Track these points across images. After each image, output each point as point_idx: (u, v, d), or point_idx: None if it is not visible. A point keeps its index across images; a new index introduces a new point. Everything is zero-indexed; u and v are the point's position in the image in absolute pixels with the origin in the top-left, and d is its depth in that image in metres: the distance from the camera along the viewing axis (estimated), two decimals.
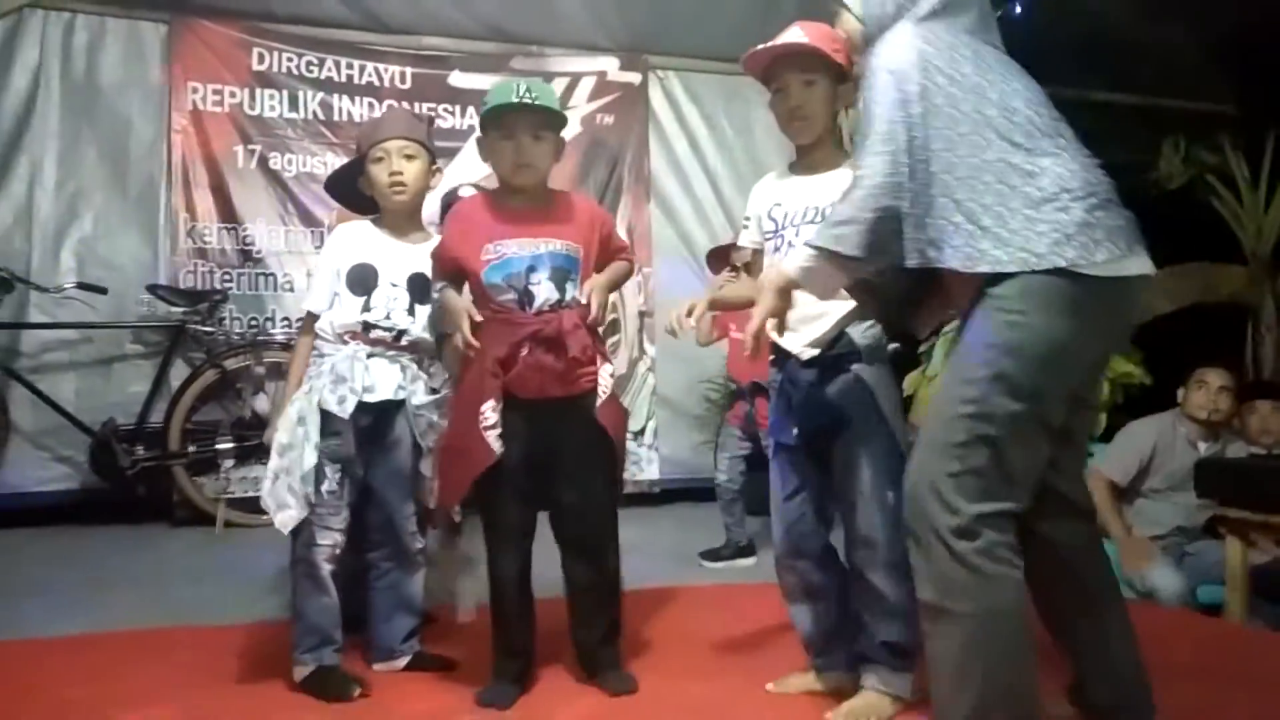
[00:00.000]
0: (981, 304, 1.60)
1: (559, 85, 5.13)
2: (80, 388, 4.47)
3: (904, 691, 2.05)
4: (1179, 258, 6.13)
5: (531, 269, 2.16)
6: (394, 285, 2.34)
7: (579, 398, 2.16)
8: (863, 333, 2.11)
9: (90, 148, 4.58)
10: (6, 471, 4.32)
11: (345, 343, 2.31)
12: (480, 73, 5.05)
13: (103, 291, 4.33)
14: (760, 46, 2.11)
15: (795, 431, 2.10)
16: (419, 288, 2.35)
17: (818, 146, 2.15)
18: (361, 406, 2.27)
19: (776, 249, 2.15)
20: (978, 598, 1.54)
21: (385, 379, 2.32)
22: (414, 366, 2.38)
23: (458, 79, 5.05)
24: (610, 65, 5.30)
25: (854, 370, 2.11)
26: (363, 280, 2.33)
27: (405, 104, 4.93)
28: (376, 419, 2.31)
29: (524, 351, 2.14)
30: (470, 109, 5.00)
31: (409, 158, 2.36)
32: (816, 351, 2.10)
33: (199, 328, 4.39)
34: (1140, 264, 1.61)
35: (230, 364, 4.31)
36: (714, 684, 2.28)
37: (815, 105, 2.09)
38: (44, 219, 4.49)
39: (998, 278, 1.58)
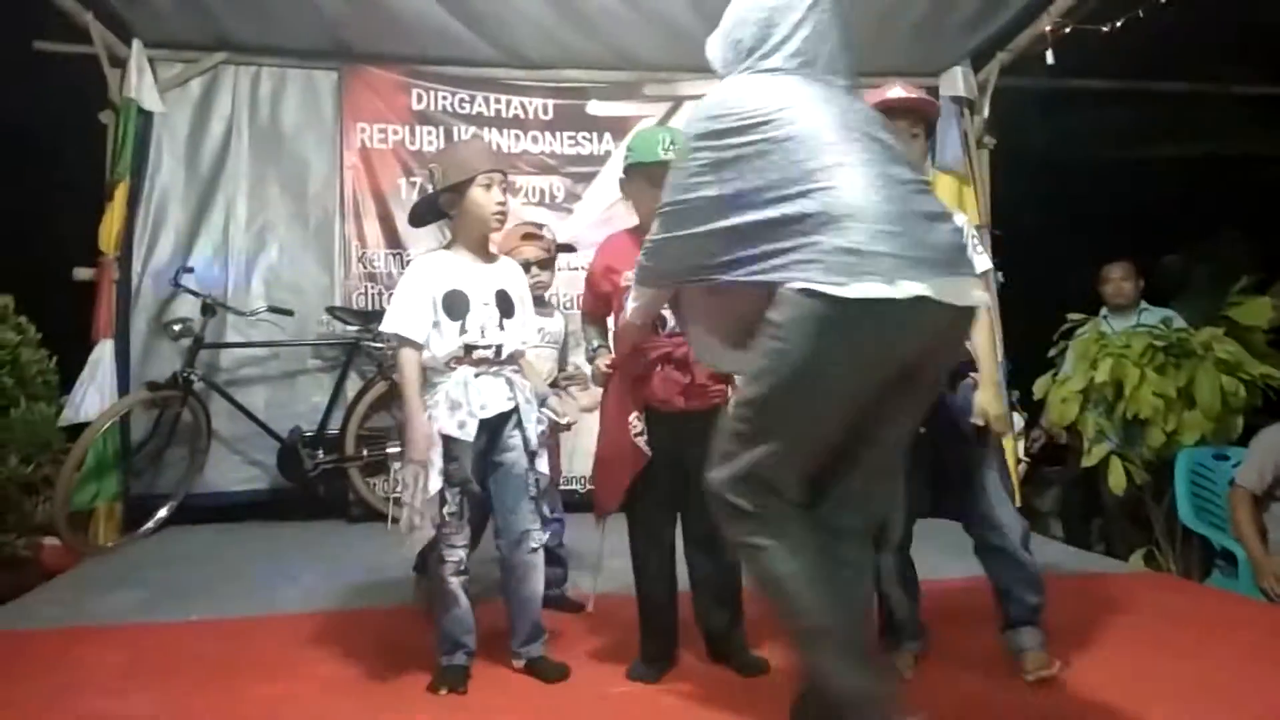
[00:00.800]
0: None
1: (688, 108, 5.38)
2: (269, 399, 4.91)
3: (1043, 641, 2.39)
4: None
5: None
6: (485, 305, 2.48)
7: (709, 411, 2.39)
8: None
9: (275, 185, 5.08)
10: (208, 473, 4.77)
11: (453, 369, 2.44)
12: (615, 100, 5.35)
13: (290, 314, 4.78)
14: (890, 96, 2.36)
15: (922, 430, 2.26)
16: (506, 303, 2.51)
17: None
18: (479, 425, 2.44)
19: None
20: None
21: (494, 395, 2.47)
22: (517, 377, 2.53)
23: (595, 108, 5.35)
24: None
25: (971, 378, 2.40)
26: (457, 305, 2.45)
27: (548, 134, 5.28)
28: (491, 433, 2.48)
29: (658, 369, 2.43)
30: (607, 134, 5.32)
31: (504, 189, 2.54)
32: None
33: (371, 344, 4.78)
34: (908, 288, 1.66)
35: (398, 376, 4.71)
36: None
37: (915, 155, 2.37)
38: (237, 250, 5.00)
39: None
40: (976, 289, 1.82)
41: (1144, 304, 4.68)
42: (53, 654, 2.76)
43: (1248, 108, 5.93)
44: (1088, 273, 4.81)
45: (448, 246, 2.60)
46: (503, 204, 2.51)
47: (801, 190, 1.73)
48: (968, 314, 1.79)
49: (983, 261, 2.47)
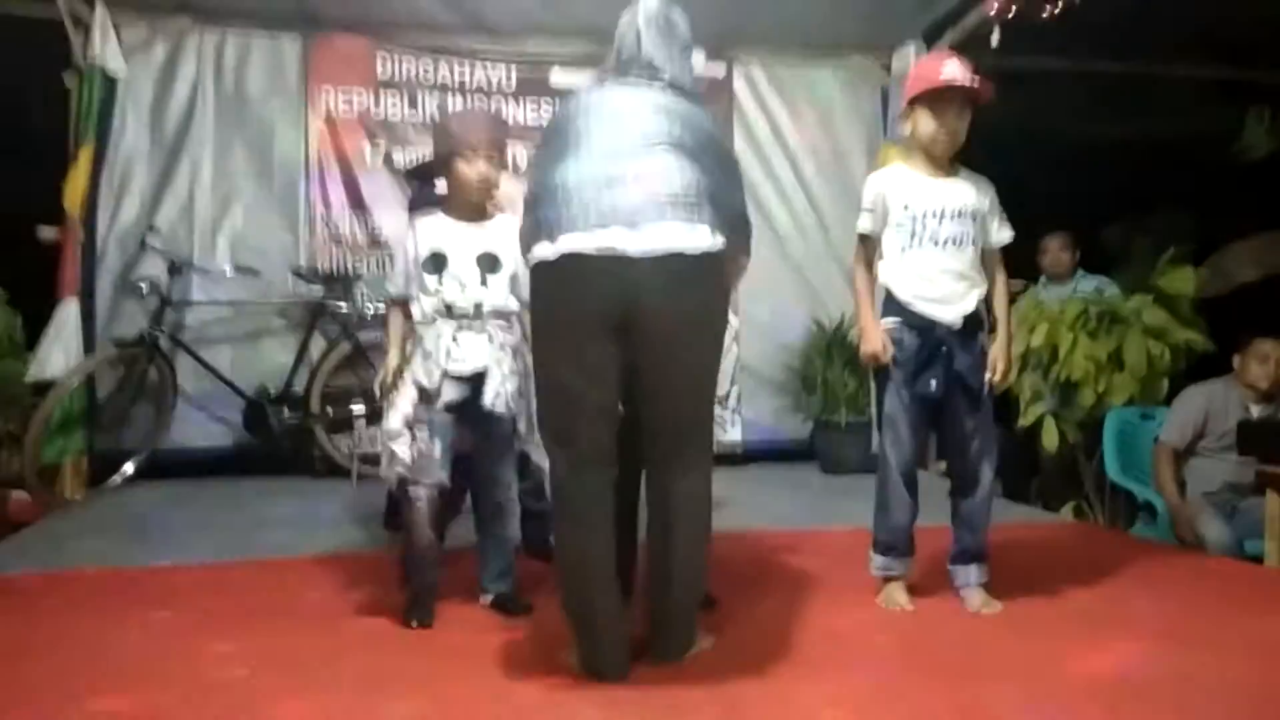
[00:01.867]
0: None
1: None
2: (235, 358, 4.99)
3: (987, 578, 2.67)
4: (1266, 227, 6.17)
5: None
6: (465, 264, 2.58)
7: None
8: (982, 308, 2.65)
9: (240, 149, 5.15)
10: (174, 430, 4.85)
11: (433, 322, 2.56)
12: (578, 69, 5.42)
13: (256, 274, 4.88)
14: (949, 81, 2.56)
15: (934, 384, 2.58)
16: (488, 263, 2.61)
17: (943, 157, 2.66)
18: (454, 378, 2.53)
19: (914, 235, 2.62)
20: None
21: (474, 349, 2.55)
22: (502, 335, 2.60)
23: (558, 77, 5.44)
24: (697, 60, 5.60)
25: (980, 339, 2.65)
26: (436, 265, 2.57)
27: (512, 101, 5.38)
28: (473, 387, 2.56)
29: None
30: None
31: (492, 163, 2.60)
32: (963, 320, 2.60)
33: (335, 305, 4.87)
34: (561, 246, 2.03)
35: (362, 337, 4.77)
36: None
37: (964, 134, 2.62)
38: (202, 212, 5.07)
39: None
40: (675, 238, 2.02)
41: (1081, 272, 4.90)
42: (33, 597, 2.86)
43: (1192, 89, 6.17)
44: (1029, 244, 5.02)
45: (445, 206, 2.70)
46: (484, 176, 2.59)
47: None
48: (665, 263, 2.00)
49: (1004, 234, 2.72)
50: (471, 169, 2.58)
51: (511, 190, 2.98)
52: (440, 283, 2.57)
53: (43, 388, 4.26)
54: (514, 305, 2.64)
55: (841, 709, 1.96)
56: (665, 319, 2.05)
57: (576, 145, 2.12)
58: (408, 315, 2.63)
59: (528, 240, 2.13)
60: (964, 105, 2.60)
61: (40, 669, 2.22)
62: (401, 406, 2.54)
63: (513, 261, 2.62)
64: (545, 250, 2.05)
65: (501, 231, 2.66)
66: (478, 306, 2.58)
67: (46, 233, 4.67)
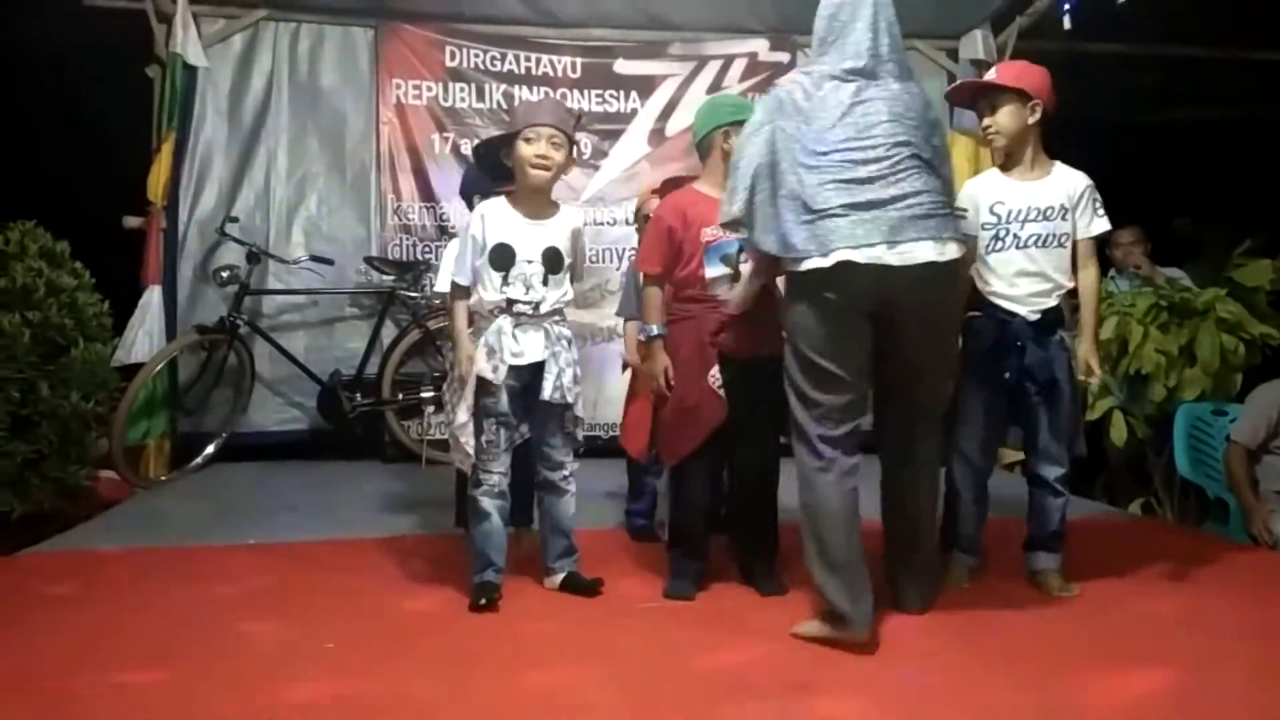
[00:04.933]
0: None
1: (713, 68, 5.53)
2: (309, 344, 5.14)
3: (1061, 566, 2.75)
4: None
5: (742, 249, 2.66)
6: (530, 262, 2.65)
7: (772, 356, 2.59)
8: (1066, 304, 2.72)
9: (314, 139, 5.27)
10: (251, 413, 5.03)
11: (495, 316, 2.65)
12: (641, 59, 5.49)
13: (330, 263, 5.00)
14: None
15: (1008, 375, 2.66)
16: (552, 261, 2.67)
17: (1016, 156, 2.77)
18: (514, 370, 2.63)
19: (997, 238, 2.72)
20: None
21: (532, 344, 2.65)
22: (557, 329, 2.70)
23: (622, 66, 5.49)
24: (761, 46, 5.59)
25: (1060, 335, 2.71)
26: (502, 261, 2.64)
27: (577, 91, 5.42)
28: (530, 378, 2.67)
29: (732, 323, 2.67)
30: (633, 92, 5.47)
31: (555, 145, 2.65)
32: (1040, 316, 2.67)
33: (406, 293, 4.98)
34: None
35: (432, 324, 4.85)
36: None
37: (1011, 129, 2.73)
38: (278, 202, 5.21)
39: None
40: None
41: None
42: (131, 573, 3.01)
43: (1264, 73, 6.01)
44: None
45: (511, 195, 2.75)
46: (543, 156, 2.62)
47: None
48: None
49: (1101, 223, 2.76)
50: (530, 148, 2.64)
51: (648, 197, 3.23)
52: (506, 281, 2.64)
53: (129, 371, 4.42)
54: (569, 298, 2.74)
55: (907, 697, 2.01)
56: (923, 310, 2.34)
57: (822, 153, 2.28)
58: (465, 299, 2.69)
59: (783, 246, 2.31)
60: (1000, 100, 2.72)
61: (138, 640, 2.35)
62: (466, 398, 2.63)
63: (571, 254, 2.71)
64: (819, 261, 2.27)
65: (565, 228, 2.73)
66: (538, 305, 2.66)
67: (131, 221, 4.85)
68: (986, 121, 2.78)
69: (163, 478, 4.66)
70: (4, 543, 3.33)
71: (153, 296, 4.75)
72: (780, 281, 2.55)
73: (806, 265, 2.28)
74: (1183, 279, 4.61)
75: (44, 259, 3.97)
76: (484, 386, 2.64)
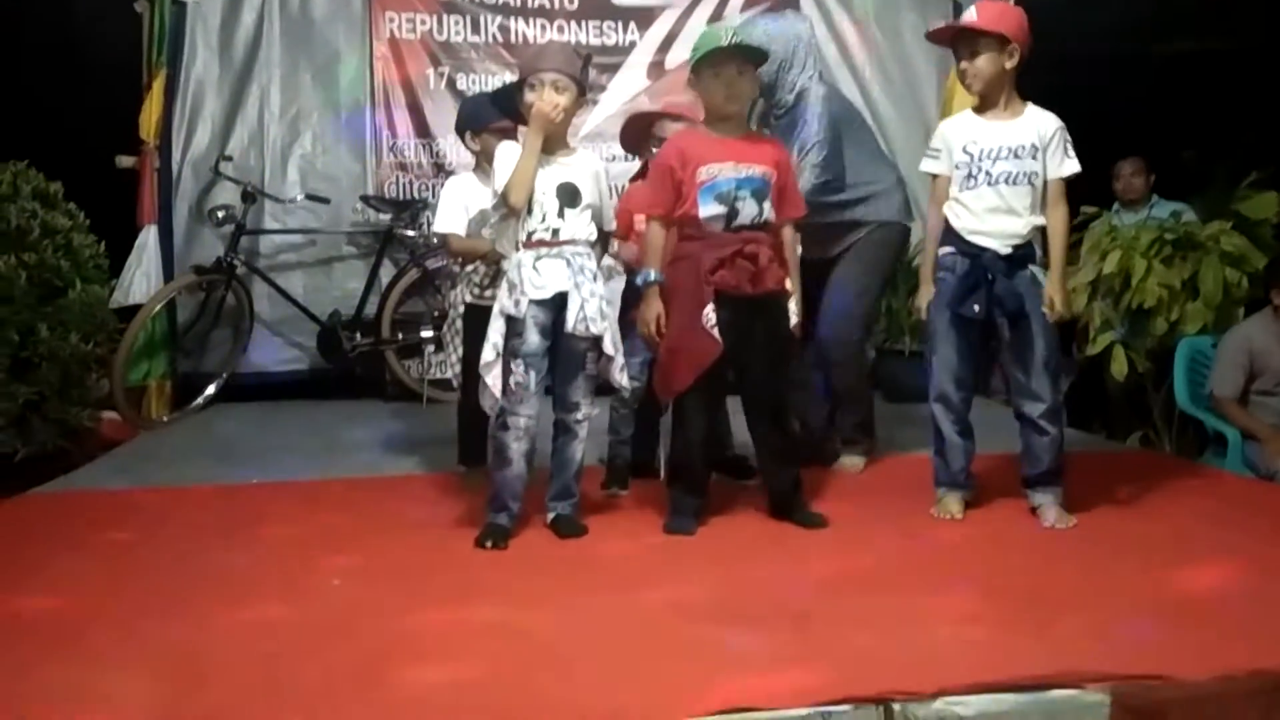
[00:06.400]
0: None
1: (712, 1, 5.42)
2: (307, 284, 5.11)
3: (1060, 500, 2.73)
4: None
5: (739, 188, 2.63)
6: (543, 194, 2.63)
7: (774, 294, 2.63)
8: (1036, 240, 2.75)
9: (307, 75, 5.17)
10: (251, 353, 5.00)
11: (516, 249, 2.65)
12: None
13: (326, 201, 4.95)
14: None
15: (976, 307, 2.69)
16: (567, 194, 2.66)
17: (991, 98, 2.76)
18: (537, 303, 2.60)
19: (970, 175, 2.74)
20: None
21: (553, 275, 2.62)
22: (580, 259, 2.66)
23: None
24: None
25: (1030, 270, 2.73)
26: None
27: (574, 23, 5.32)
28: (555, 310, 2.64)
29: (730, 262, 2.65)
30: (631, 24, 5.37)
31: (559, 89, 2.62)
32: (1011, 250, 2.70)
33: (404, 232, 4.95)
34: None
35: (430, 263, 4.82)
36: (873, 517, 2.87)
37: (986, 71, 2.72)
38: (272, 140, 5.13)
39: None
40: None
41: (1156, 198, 4.78)
42: (140, 510, 3.04)
43: (1275, 2, 5.88)
44: (1103, 169, 4.89)
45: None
46: (548, 102, 2.60)
47: None
48: None
49: (1071, 164, 2.76)
50: (534, 95, 2.62)
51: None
52: (527, 212, 2.63)
53: (127, 313, 4.41)
54: (593, 235, 2.71)
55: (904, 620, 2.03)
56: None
57: None
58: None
59: None
60: (979, 46, 2.70)
61: (174, 582, 2.36)
62: (491, 337, 2.62)
63: (593, 194, 2.68)
64: None
65: (581, 166, 2.72)
66: (555, 233, 2.64)
67: (125, 161, 4.79)
68: (964, 66, 2.77)
69: (164, 418, 4.67)
70: (12, 483, 3.35)
71: (149, 237, 4.72)
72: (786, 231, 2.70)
73: None
74: (1186, 212, 4.57)
75: (38, 200, 3.95)
76: (511, 326, 2.63)
